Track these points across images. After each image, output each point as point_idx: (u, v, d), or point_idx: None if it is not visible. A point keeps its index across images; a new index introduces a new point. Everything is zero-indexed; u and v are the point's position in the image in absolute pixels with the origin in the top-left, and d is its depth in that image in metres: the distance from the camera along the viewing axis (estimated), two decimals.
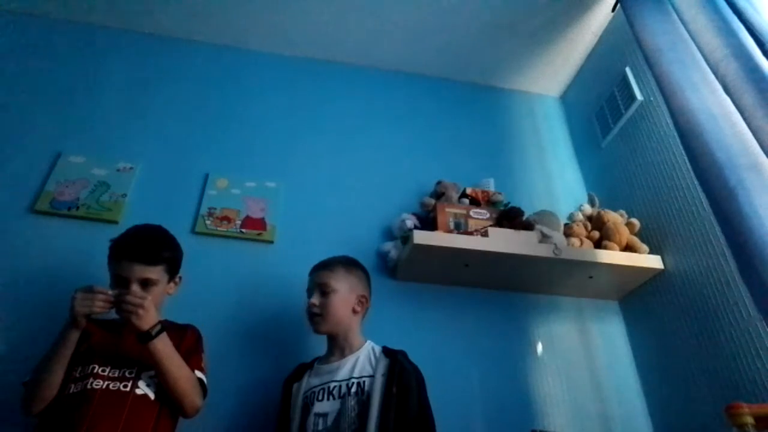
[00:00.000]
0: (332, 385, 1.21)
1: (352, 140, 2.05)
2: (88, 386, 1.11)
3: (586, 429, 1.56)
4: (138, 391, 1.15)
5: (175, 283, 1.34)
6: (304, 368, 1.31)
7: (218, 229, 1.68)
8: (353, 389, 1.18)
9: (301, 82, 2.19)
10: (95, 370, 1.14)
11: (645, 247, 1.67)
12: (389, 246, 1.71)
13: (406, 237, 1.63)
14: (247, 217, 1.73)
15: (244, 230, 1.70)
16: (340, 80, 2.24)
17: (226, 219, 1.71)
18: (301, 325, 1.52)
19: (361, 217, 1.82)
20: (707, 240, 1.48)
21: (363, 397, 1.16)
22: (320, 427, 1.15)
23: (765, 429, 0.83)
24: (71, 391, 1.12)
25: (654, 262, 1.63)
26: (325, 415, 1.17)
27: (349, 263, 1.38)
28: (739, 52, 1.23)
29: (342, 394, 1.18)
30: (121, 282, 1.20)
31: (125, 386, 1.14)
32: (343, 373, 1.22)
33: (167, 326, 1.21)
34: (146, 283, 1.22)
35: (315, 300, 1.30)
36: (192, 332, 1.32)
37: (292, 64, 2.23)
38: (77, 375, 1.14)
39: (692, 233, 1.54)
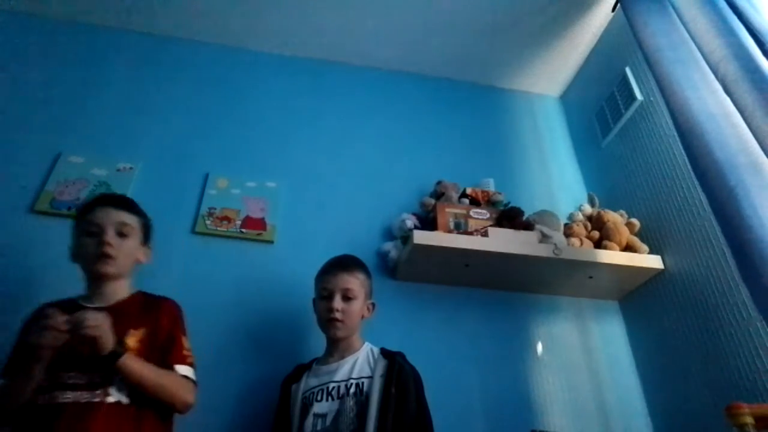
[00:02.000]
0: (331, 385, 1.21)
1: (352, 140, 2.05)
2: (58, 399, 1.02)
3: (586, 429, 1.56)
4: (110, 399, 1.05)
5: (146, 252, 1.26)
6: (303, 369, 1.31)
7: (218, 229, 1.68)
8: (352, 390, 1.18)
9: (301, 82, 2.19)
10: (62, 379, 1.04)
11: (645, 247, 1.67)
12: (389, 246, 1.71)
13: (406, 237, 1.63)
14: (247, 217, 1.73)
15: (244, 230, 1.70)
16: (340, 80, 2.24)
17: (226, 219, 1.71)
18: (300, 325, 1.52)
19: (361, 217, 1.82)
20: (707, 240, 1.48)
21: (362, 397, 1.16)
22: (319, 428, 1.16)
23: (765, 429, 0.83)
24: (40, 402, 1.03)
25: (654, 262, 1.63)
26: (324, 416, 1.17)
27: (365, 268, 1.38)
28: (738, 52, 1.23)
29: (341, 394, 1.18)
30: (92, 233, 1.14)
31: (95, 395, 1.04)
32: (341, 374, 1.23)
33: (139, 301, 1.16)
34: (122, 232, 1.16)
35: (338, 305, 1.27)
36: (168, 311, 1.20)
37: (292, 64, 2.23)
38: (44, 384, 1.04)
39: (692, 233, 1.54)
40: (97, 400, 1.03)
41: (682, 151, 1.45)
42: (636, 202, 1.82)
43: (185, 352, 1.17)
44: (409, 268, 1.65)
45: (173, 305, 1.24)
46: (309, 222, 1.78)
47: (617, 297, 1.83)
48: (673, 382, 1.54)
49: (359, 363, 1.25)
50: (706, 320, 1.44)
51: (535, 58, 2.28)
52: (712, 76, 1.32)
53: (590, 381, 1.66)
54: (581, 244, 1.69)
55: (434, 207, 1.69)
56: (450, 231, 1.61)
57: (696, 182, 1.42)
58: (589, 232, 1.75)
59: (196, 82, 2.08)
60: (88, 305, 1.14)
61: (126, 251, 1.17)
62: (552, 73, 2.36)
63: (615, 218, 1.75)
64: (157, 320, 1.17)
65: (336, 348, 1.30)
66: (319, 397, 1.20)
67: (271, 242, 1.71)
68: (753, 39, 1.23)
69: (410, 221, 1.68)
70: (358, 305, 1.30)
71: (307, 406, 1.20)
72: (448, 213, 1.66)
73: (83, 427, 1.00)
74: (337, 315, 1.26)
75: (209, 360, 1.44)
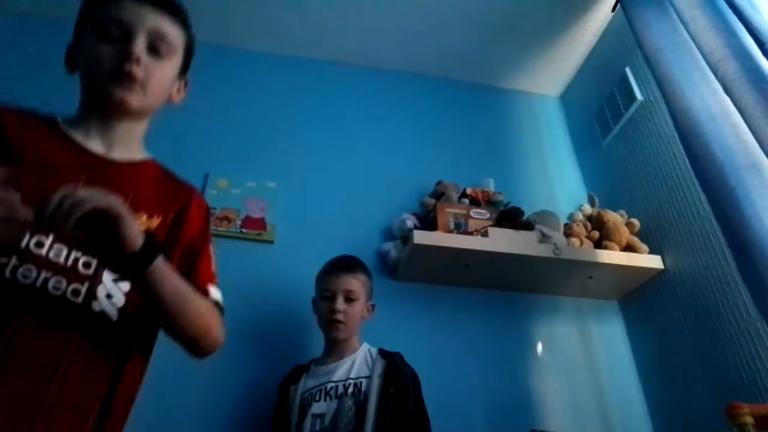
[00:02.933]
0: (329, 385, 1.21)
1: (352, 140, 2.05)
2: (16, 274, 0.61)
3: (586, 429, 1.56)
4: (95, 306, 0.66)
5: (182, 87, 0.90)
6: (301, 370, 1.31)
7: (218, 229, 1.68)
8: (350, 390, 1.19)
9: (301, 82, 2.19)
10: (29, 244, 0.63)
11: (645, 247, 1.67)
12: (389, 246, 1.71)
13: (406, 237, 1.63)
14: (247, 217, 1.73)
15: (244, 230, 1.70)
16: (340, 80, 2.23)
17: (226, 219, 1.71)
18: (300, 325, 1.52)
19: (361, 217, 1.82)
20: (707, 240, 1.48)
21: (360, 397, 1.17)
22: (317, 428, 1.16)
23: (765, 429, 0.83)
24: None
25: (654, 262, 1.63)
26: (322, 416, 1.17)
27: (366, 269, 1.39)
28: (738, 52, 1.23)
29: (339, 394, 1.19)
30: (111, 38, 0.74)
31: (76, 293, 0.64)
32: (340, 374, 1.23)
33: (157, 174, 0.80)
34: (157, 48, 0.76)
35: (341, 306, 1.27)
36: (200, 205, 0.87)
37: (292, 64, 2.23)
38: None
39: (692, 233, 1.54)
40: (78, 300, 0.65)
41: (682, 151, 1.45)
42: (636, 202, 1.82)
43: (214, 269, 0.83)
44: (409, 268, 1.65)
45: (203, 199, 0.90)
46: (309, 222, 1.78)
47: (617, 297, 1.83)
48: (673, 382, 1.54)
49: (357, 363, 1.25)
50: (706, 320, 1.44)
51: (535, 58, 2.28)
52: (712, 76, 1.32)
53: (590, 381, 1.66)
54: (581, 244, 1.69)
55: (434, 207, 1.69)
56: (450, 231, 1.61)
57: (696, 182, 1.42)
58: (589, 232, 1.75)
59: (196, 82, 2.06)
60: (79, 139, 0.76)
61: (160, 77, 0.78)
62: (552, 73, 2.36)
63: (615, 218, 1.75)
64: (184, 212, 0.81)
65: (335, 348, 1.30)
66: (317, 398, 1.20)
67: (271, 242, 1.71)
68: (753, 39, 1.23)
69: (410, 221, 1.68)
70: (359, 307, 1.31)
71: (305, 406, 1.21)
72: (448, 213, 1.66)
73: (42, 340, 0.62)
74: (339, 317, 1.26)
75: (208, 359, 1.44)
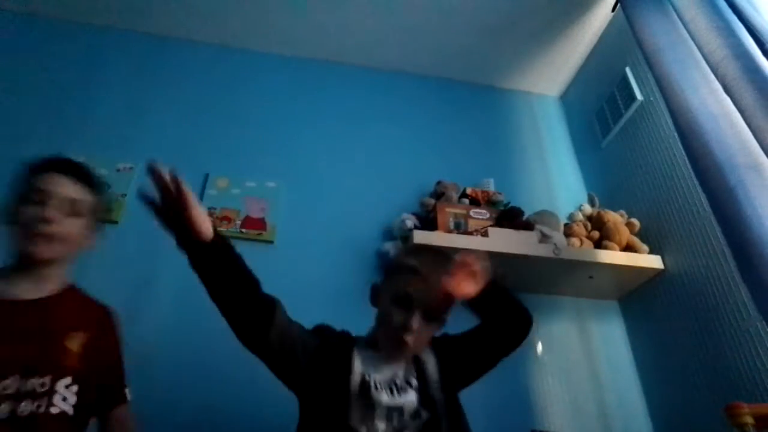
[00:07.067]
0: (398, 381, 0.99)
1: (352, 140, 2.05)
2: None
3: (586, 429, 1.56)
4: (53, 410, 0.88)
5: (94, 236, 1.06)
6: (350, 342, 1.06)
7: (218, 229, 1.68)
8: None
9: (301, 82, 2.19)
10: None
11: (645, 247, 1.67)
12: (389, 246, 1.70)
13: (406, 237, 1.63)
14: (247, 217, 1.73)
15: (244, 230, 1.70)
16: (340, 80, 2.24)
17: (226, 219, 1.71)
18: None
19: (361, 217, 1.82)
20: (707, 240, 1.48)
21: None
22: (396, 423, 0.93)
23: (765, 429, 0.83)
24: None
25: (654, 262, 1.63)
26: (400, 409, 0.95)
27: None
28: (739, 53, 1.23)
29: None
30: (28, 201, 0.92)
31: (39, 406, 0.86)
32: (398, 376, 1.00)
33: (76, 302, 1.00)
34: (72, 208, 0.95)
35: (417, 324, 0.98)
36: (115, 323, 1.06)
37: (292, 64, 2.23)
38: None
39: (692, 233, 1.54)
40: (41, 411, 0.86)
41: (682, 151, 1.45)
42: (636, 202, 1.82)
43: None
44: None
45: (116, 315, 1.09)
46: (309, 222, 1.78)
47: (617, 297, 1.83)
48: (673, 383, 1.54)
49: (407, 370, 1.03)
50: (706, 320, 1.44)
51: (535, 58, 2.28)
52: (712, 76, 1.32)
53: (590, 381, 1.66)
54: (581, 244, 1.69)
55: (434, 207, 1.69)
56: (450, 231, 1.61)
57: (696, 182, 1.42)
58: (589, 232, 1.75)
59: (196, 82, 2.08)
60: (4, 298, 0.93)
61: (68, 241, 0.97)
62: (552, 73, 2.36)
63: (615, 218, 1.75)
64: (102, 330, 1.03)
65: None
66: (392, 391, 0.98)
67: (271, 242, 1.71)
68: (753, 39, 1.23)
69: (410, 221, 1.67)
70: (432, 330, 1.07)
71: (374, 391, 0.96)
72: (448, 213, 1.66)
73: None
74: (409, 339, 0.97)
75: (209, 361, 1.44)
